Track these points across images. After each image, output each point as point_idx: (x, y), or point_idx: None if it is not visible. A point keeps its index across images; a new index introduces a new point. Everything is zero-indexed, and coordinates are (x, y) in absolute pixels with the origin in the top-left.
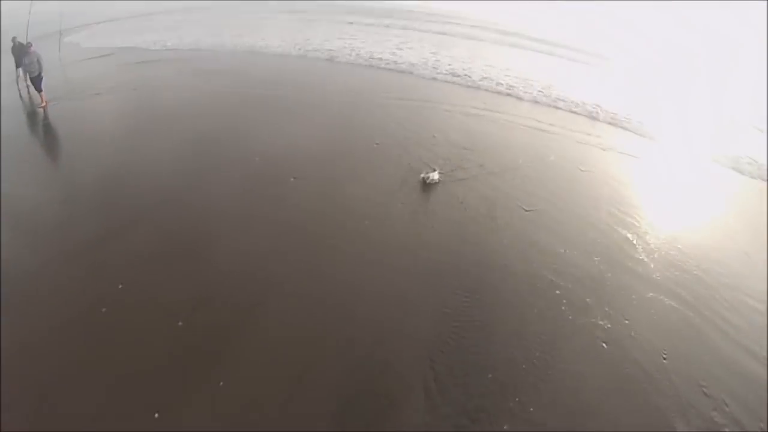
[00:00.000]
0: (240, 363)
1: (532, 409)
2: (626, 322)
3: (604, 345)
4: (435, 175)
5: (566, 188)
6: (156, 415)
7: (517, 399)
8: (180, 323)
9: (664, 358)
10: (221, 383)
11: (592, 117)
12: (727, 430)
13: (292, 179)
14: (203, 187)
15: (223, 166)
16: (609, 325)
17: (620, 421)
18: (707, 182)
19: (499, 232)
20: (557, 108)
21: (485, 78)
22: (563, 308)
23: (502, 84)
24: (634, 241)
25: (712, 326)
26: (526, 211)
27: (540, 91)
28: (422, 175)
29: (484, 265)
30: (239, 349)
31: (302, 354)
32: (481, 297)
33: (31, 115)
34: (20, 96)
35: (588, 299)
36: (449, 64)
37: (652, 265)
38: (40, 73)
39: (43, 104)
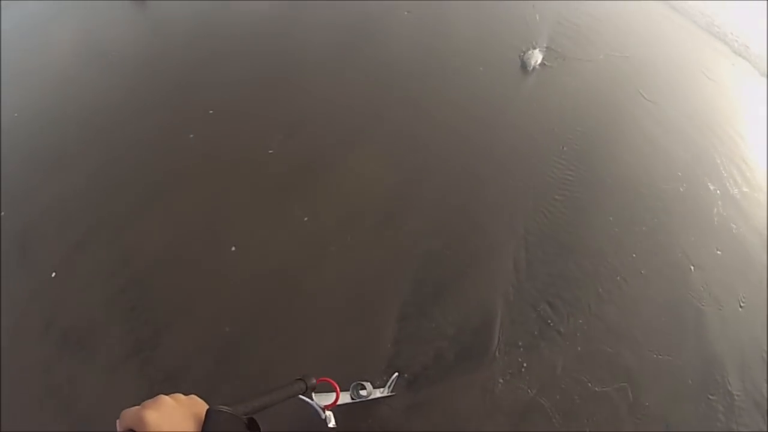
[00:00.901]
0: (327, 200)
1: (603, 309)
2: (718, 252)
3: (691, 268)
4: (538, 55)
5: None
6: (233, 248)
7: (598, 292)
8: (270, 151)
9: (741, 306)
10: (306, 218)
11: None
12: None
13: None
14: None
15: None
16: (701, 250)
17: (680, 348)
18: None
19: (614, 115)
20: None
21: None
22: (661, 216)
23: None
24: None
25: None
26: (646, 99)
27: None
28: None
29: (593, 141)
30: (330, 184)
31: (393, 196)
32: (587, 175)
33: None
34: None
35: (683, 216)
36: None
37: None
38: None
39: None
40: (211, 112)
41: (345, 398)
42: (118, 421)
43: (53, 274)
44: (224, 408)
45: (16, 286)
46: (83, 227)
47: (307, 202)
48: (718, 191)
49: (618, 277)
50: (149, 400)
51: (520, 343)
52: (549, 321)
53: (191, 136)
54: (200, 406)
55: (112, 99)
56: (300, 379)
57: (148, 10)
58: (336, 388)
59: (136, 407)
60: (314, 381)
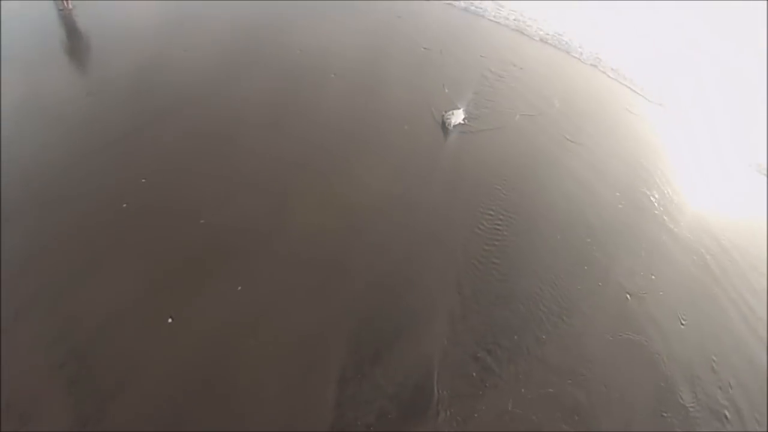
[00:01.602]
0: (259, 267)
1: (543, 350)
2: (652, 277)
3: (627, 296)
4: (458, 116)
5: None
6: (170, 320)
7: (534, 336)
8: (202, 221)
9: (683, 323)
10: (239, 288)
11: None
12: (726, 413)
13: (332, 75)
14: (234, 84)
15: (257, 62)
16: (636, 278)
17: (627, 376)
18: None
19: (541, 161)
20: None
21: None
22: (593, 251)
23: None
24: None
25: (733, 304)
26: (571, 142)
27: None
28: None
29: (522, 189)
30: (263, 251)
31: (327, 260)
32: (519, 222)
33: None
34: None
35: (616, 247)
36: None
37: (682, 224)
38: None
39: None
40: (143, 180)
41: None
42: None
43: None
44: None
45: None
46: (23, 296)
47: (241, 270)
48: (648, 219)
49: (555, 318)
50: None
51: (462, 394)
52: (489, 369)
53: (124, 205)
54: None
55: (47, 159)
56: None
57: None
58: None
59: None
60: None
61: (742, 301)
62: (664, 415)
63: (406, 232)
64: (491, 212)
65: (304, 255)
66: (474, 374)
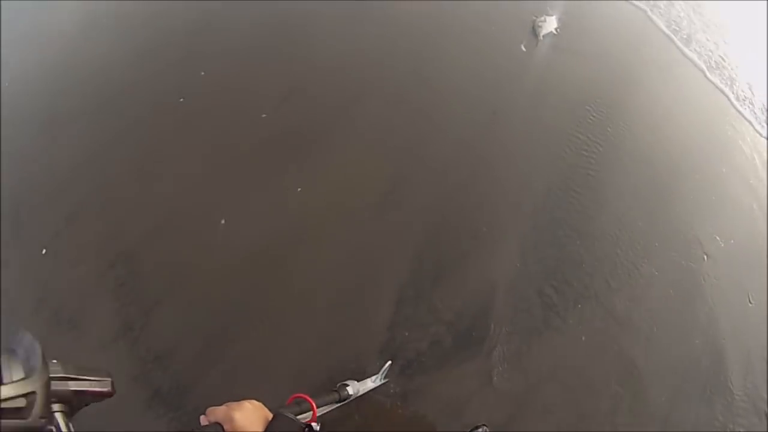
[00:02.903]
0: (323, 171)
1: (612, 299)
2: (732, 242)
3: (705, 257)
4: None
5: None
6: (222, 221)
7: (605, 281)
8: (264, 115)
9: (751, 302)
10: (299, 189)
11: None
12: None
13: None
14: None
15: None
16: (716, 239)
17: (686, 347)
18: None
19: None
20: None
21: None
22: (678, 200)
23: None
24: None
25: None
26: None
27: None
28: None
29: (612, 115)
30: (326, 153)
31: (393, 169)
32: (605, 153)
33: None
34: None
35: (702, 198)
36: None
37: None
38: None
39: None
40: (203, 73)
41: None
42: (203, 416)
43: (44, 251)
44: (288, 413)
45: (8, 263)
46: (73, 200)
47: (302, 172)
48: (735, 174)
49: (630, 266)
50: (234, 403)
51: (521, 331)
52: (553, 308)
53: (181, 99)
54: (266, 411)
55: (103, 64)
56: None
57: None
58: (312, 404)
59: (224, 407)
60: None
61: None
62: (711, 396)
63: (484, 146)
64: (578, 137)
65: (371, 156)
66: (537, 312)
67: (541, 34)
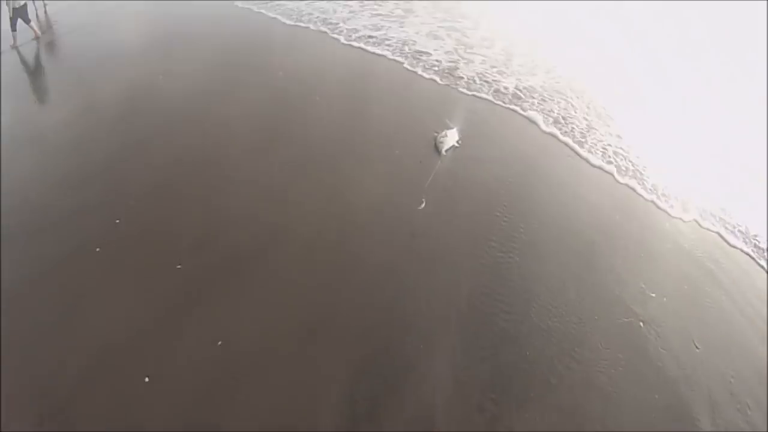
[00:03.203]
0: (241, 317)
1: (556, 395)
2: (664, 300)
3: (641, 324)
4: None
5: None
6: (146, 380)
7: (544, 380)
8: (179, 266)
9: (698, 348)
10: (219, 343)
11: None
12: None
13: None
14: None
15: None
16: (648, 302)
17: (646, 409)
18: None
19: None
20: None
21: None
22: (603, 276)
23: None
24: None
25: (746, 317)
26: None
27: None
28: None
29: (522, 215)
30: (244, 297)
31: (315, 305)
32: (518, 250)
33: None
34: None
35: (625, 266)
36: None
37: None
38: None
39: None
40: (117, 221)
41: None
42: None
43: None
44: None
45: None
46: None
47: (220, 324)
48: (654, 229)
49: (567, 357)
50: None
51: None
52: (497, 420)
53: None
54: None
55: (20, 205)
56: None
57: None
58: None
59: None
60: None
61: (754, 311)
62: None
63: (406, 268)
64: (492, 242)
65: (291, 298)
66: (481, 428)
67: (443, 150)
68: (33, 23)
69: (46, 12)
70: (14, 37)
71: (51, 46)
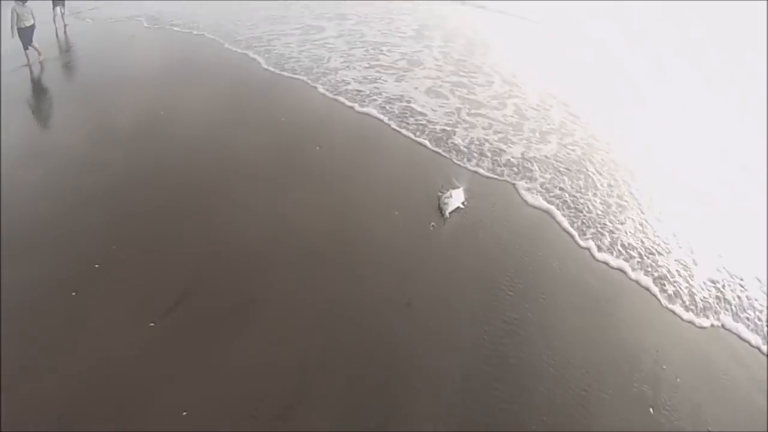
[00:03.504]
0: (216, 388)
1: None
2: (678, 380)
3: (651, 410)
4: (457, 198)
5: None
6: None
7: None
8: (152, 324)
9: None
10: (185, 413)
11: None
12: None
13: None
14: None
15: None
16: (661, 384)
17: None
18: None
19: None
20: None
21: None
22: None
23: None
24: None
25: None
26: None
27: None
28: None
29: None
30: (220, 366)
31: (296, 378)
32: (521, 332)
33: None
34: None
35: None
36: None
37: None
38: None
39: (41, 57)
40: (96, 266)
41: None
42: None
43: None
44: None
45: None
46: None
47: (193, 391)
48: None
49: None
50: None
51: None
52: None
53: (74, 293)
54: None
55: None
56: None
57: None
58: None
59: None
60: None
61: None
62: None
63: (399, 340)
64: (491, 324)
65: (274, 365)
66: None
67: (447, 212)
68: (36, 44)
69: (66, 33)
70: (27, 56)
71: (67, 67)
